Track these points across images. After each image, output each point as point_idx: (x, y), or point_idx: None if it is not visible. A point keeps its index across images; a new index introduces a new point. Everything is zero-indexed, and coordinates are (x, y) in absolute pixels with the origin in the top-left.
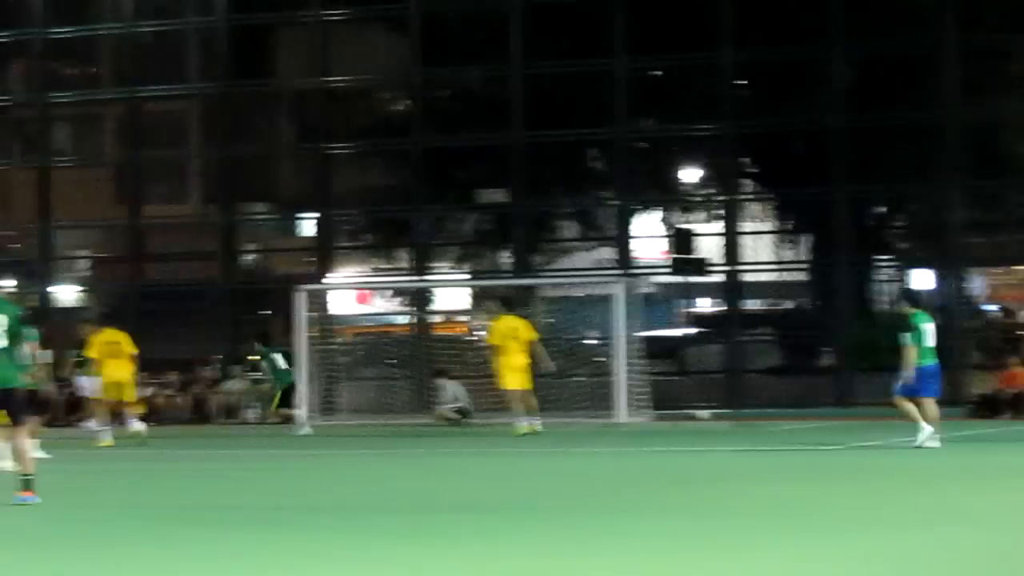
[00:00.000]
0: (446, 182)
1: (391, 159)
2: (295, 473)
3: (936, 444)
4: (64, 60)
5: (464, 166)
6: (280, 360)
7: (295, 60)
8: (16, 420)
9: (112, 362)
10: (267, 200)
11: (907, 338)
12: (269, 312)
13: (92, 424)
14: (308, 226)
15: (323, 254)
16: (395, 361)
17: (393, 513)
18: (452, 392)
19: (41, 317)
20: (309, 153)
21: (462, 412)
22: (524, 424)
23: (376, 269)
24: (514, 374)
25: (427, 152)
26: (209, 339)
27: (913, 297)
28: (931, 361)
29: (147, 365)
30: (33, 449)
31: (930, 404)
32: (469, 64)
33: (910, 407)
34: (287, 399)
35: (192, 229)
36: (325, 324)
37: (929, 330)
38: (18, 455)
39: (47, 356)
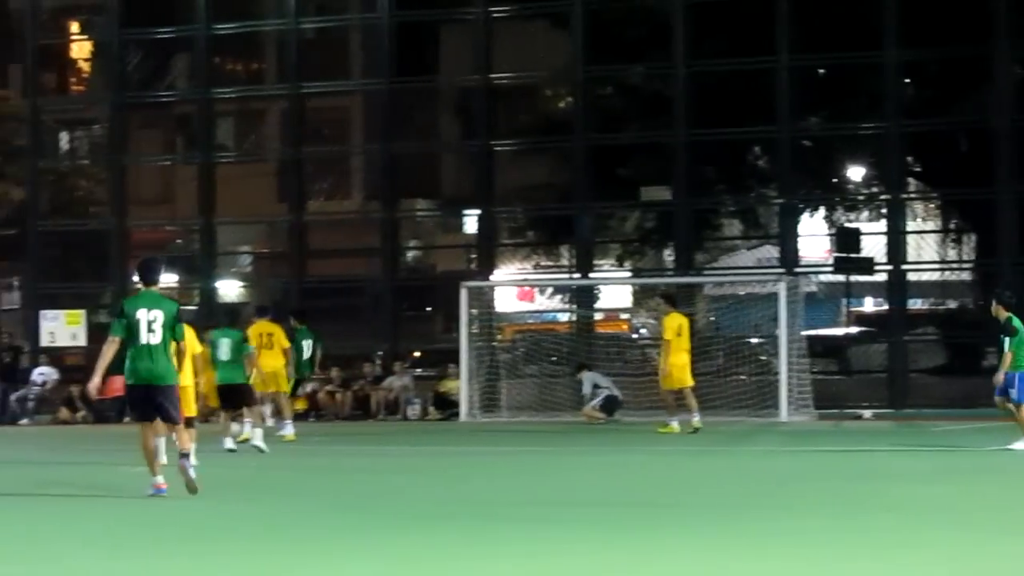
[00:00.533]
0: (609, 180)
1: (554, 156)
2: (458, 470)
3: None
4: (227, 56)
5: (627, 164)
6: (307, 347)
7: (458, 57)
8: (166, 418)
9: (266, 353)
10: (430, 196)
11: (1008, 342)
12: (430, 308)
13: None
14: (470, 223)
15: (485, 251)
16: (555, 358)
17: (536, 507)
18: (590, 383)
19: (236, 315)
20: (472, 150)
21: (609, 404)
22: (675, 423)
23: (538, 266)
24: (679, 371)
25: (590, 149)
26: (371, 335)
27: (1006, 300)
28: None
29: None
30: (259, 438)
31: None
32: (632, 61)
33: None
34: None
35: (354, 225)
36: (487, 321)
37: None
38: (148, 456)
39: (250, 350)
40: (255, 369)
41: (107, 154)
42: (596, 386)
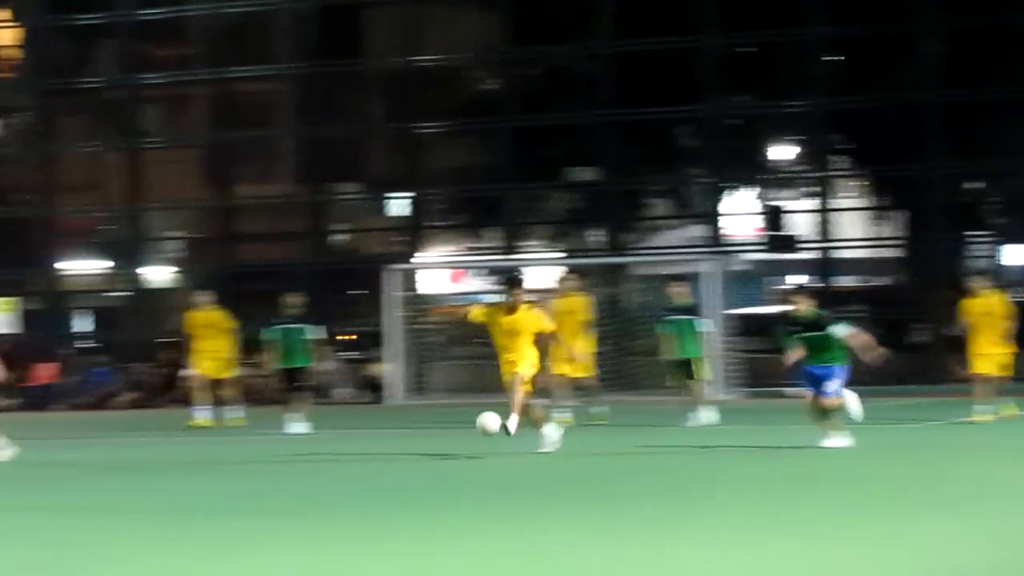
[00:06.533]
0: (536, 161)
1: (481, 138)
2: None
3: None
4: (154, 42)
5: (554, 144)
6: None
7: (384, 40)
8: None
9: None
10: (357, 180)
11: None
12: (357, 292)
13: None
14: (398, 205)
15: (413, 233)
16: (482, 340)
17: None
18: None
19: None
20: (399, 133)
21: None
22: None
23: (467, 248)
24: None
25: (517, 131)
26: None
27: None
28: None
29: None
30: (301, 425)
31: None
32: (559, 42)
33: None
34: None
35: (282, 209)
36: (415, 304)
37: None
38: None
39: (321, 332)
40: None
41: (33, 141)
42: None
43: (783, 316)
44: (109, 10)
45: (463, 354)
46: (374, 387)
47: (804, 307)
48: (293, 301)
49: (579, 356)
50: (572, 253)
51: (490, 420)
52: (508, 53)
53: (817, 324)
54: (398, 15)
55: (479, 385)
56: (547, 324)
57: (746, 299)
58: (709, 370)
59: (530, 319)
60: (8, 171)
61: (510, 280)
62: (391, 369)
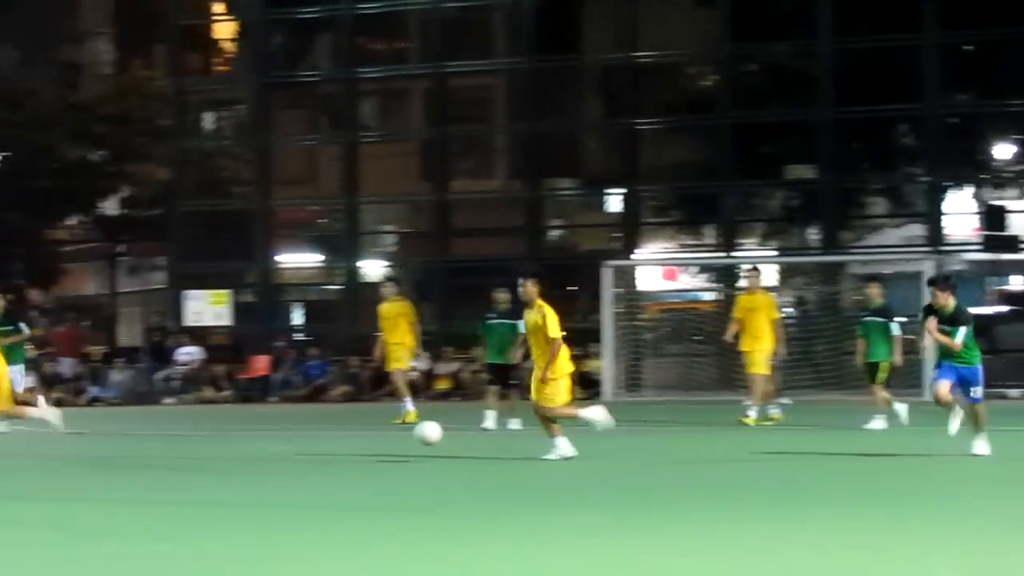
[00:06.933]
0: (754, 158)
1: (698, 134)
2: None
3: None
4: (371, 36)
5: (772, 142)
6: None
7: (602, 35)
8: None
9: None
10: (573, 175)
11: None
12: (573, 288)
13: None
14: (614, 202)
15: (629, 230)
16: (701, 337)
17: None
18: None
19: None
20: (616, 128)
21: None
22: (776, 411)
23: (682, 245)
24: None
25: (735, 127)
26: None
27: None
28: None
29: (453, 340)
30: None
31: None
32: (777, 39)
33: None
34: None
35: (498, 204)
36: (631, 300)
37: None
38: None
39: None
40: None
41: (251, 134)
42: None
43: (926, 307)
44: (327, 3)
45: (677, 351)
46: (589, 383)
47: (944, 300)
48: (502, 297)
49: (761, 353)
50: (788, 251)
51: (429, 429)
52: (726, 49)
53: (953, 319)
54: (616, 10)
55: (693, 383)
56: (552, 329)
57: (964, 300)
58: (885, 376)
59: (537, 319)
60: (224, 164)
61: (523, 272)
62: (606, 365)
